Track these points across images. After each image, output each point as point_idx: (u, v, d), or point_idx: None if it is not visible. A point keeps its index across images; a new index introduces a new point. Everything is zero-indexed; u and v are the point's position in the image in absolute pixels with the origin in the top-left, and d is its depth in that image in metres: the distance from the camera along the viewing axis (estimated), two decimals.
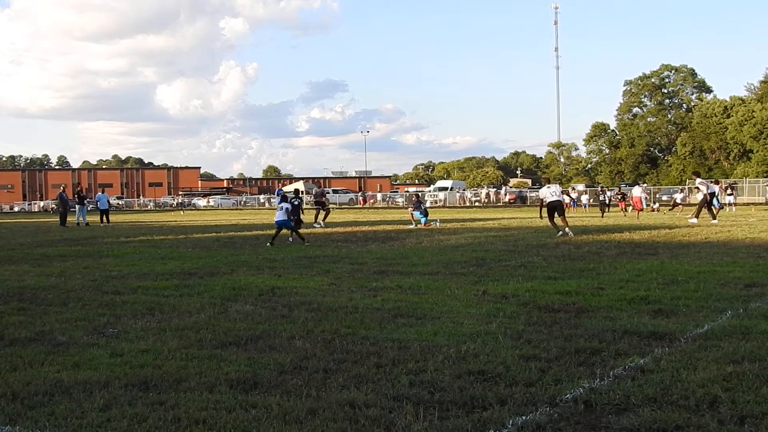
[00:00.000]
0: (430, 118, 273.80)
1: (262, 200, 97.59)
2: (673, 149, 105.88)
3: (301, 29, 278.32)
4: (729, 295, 8.17)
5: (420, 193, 68.45)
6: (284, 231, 18.69)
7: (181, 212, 72.29)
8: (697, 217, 26.27)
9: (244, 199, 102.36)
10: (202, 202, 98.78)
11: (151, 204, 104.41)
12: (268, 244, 17.74)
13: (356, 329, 6.64)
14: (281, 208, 18.67)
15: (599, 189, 41.55)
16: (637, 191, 36.07)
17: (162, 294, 9.29)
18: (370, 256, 14.04)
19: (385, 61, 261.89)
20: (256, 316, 7.45)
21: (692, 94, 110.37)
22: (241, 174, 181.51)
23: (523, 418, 4.11)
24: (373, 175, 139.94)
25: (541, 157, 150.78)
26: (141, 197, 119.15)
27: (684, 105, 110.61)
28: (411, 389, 4.70)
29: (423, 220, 26.91)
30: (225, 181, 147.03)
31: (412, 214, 27.75)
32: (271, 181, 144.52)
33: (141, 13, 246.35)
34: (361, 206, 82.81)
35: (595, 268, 11.14)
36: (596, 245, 15.67)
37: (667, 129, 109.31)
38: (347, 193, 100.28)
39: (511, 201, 74.19)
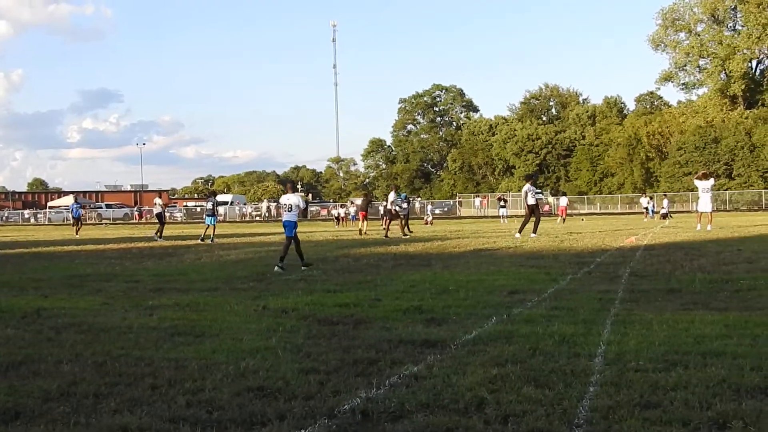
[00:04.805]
0: (209, 131, 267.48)
1: (27, 215, 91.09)
2: (445, 165, 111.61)
3: (72, 35, 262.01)
4: (494, 302, 8.69)
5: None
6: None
7: None
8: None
9: (6, 215, 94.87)
10: None
11: None
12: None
13: (130, 350, 6.35)
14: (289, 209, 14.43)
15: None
16: (563, 201, 45.73)
17: None
18: (146, 273, 13.53)
19: (163, 71, 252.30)
20: (18, 341, 6.91)
21: (461, 113, 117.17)
22: (3, 187, 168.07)
23: (302, 431, 4.14)
24: (150, 189, 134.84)
25: (321, 172, 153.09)
26: None
27: (454, 123, 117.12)
28: (188, 409, 4.57)
29: (211, 220, 26.63)
30: None
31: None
32: (38, 195, 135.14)
33: None
34: (137, 221, 79.67)
35: (372, 280, 11.45)
36: (374, 258, 16.13)
37: (439, 145, 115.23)
38: (122, 207, 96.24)
39: None
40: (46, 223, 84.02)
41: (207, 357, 6.00)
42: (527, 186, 24.10)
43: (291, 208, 14.53)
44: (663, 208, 41.71)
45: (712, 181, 26.64)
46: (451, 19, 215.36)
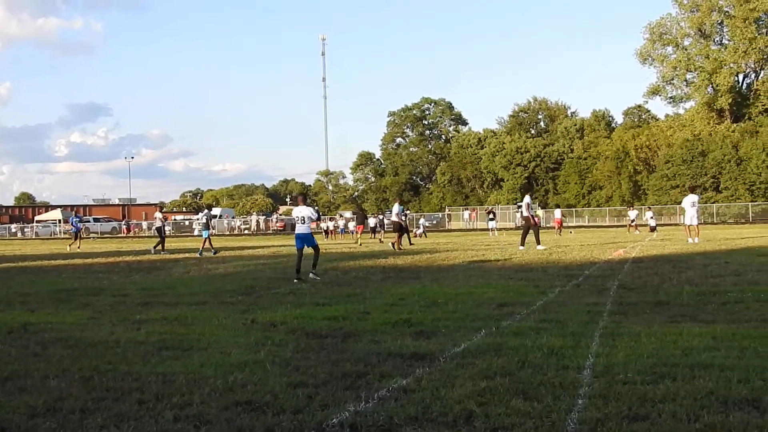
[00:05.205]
0: (198, 144, 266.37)
1: (13, 230, 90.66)
2: (434, 178, 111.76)
3: (60, 49, 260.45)
4: (483, 315, 8.70)
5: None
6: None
7: None
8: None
9: None
10: None
11: None
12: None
13: (117, 365, 6.31)
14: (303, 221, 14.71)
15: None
16: (557, 213, 48.71)
17: None
18: (134, 287, 13.47)
19: (152, 85, 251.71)
20: (4, 356, 6.86)
21: (450, 126, 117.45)
22: None
23: None
24: (138, 202, 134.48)
25: (310, 185, 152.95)
26: None
27: (443, 136, 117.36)
28: (176, 424, 4.55)
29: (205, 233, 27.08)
30: None
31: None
32: (25, 209, 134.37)
33: None
34: (125, 235, 79.41)
35: (361, 293, 11.44)
36: (363, 271, 16.12)
37: (428, 159, 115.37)
38: (110, 221, 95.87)
39: (281, 228, 74.62)
40: (33, 237, 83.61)
41: (195, 371, 5.97)
42: (528, 198, 24.67)
43: (303, 220, 14.68)
44: (652, 219, 41.81)
45: (697, 195, 27.04)
46: (442, 31, 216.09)
